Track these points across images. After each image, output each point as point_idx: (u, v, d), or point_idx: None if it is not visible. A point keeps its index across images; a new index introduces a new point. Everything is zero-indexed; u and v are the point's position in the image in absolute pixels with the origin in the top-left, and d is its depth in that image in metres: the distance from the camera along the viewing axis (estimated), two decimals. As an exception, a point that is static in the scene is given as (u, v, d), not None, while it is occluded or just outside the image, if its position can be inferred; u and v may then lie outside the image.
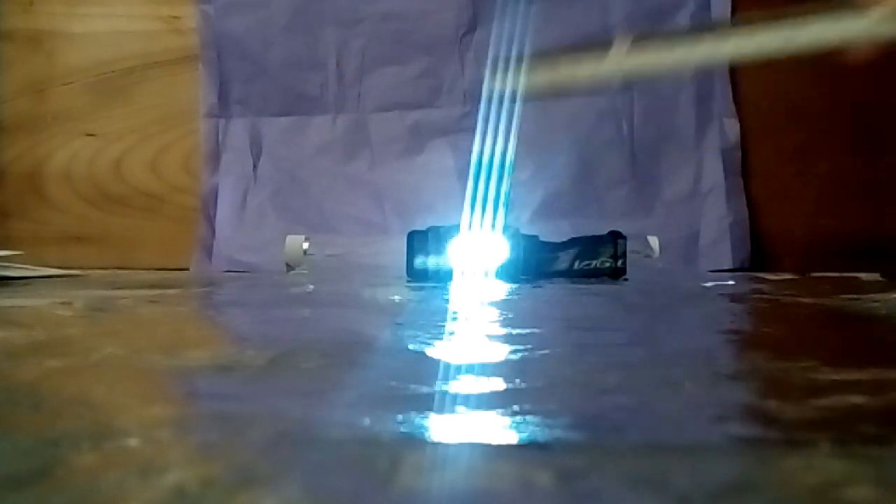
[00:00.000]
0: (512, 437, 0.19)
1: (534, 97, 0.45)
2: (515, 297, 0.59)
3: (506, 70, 0.45)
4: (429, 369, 0.28)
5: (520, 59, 0.44)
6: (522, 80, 0.44)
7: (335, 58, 1.00)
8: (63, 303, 0.52)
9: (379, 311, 0.52)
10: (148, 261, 1.00)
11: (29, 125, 1.03)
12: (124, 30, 1.03)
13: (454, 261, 0.70)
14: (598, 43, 0.40)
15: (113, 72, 1.03)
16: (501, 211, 0.71)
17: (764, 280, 0.76)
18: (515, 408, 0.21)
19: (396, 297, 0.58)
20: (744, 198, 0.96)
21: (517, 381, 0.26)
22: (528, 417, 0.20)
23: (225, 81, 1.01)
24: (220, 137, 1.01)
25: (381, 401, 0.23)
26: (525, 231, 0.74)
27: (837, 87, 0.95)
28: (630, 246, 0.76)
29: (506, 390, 0.24)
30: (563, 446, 0.18)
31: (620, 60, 0.38)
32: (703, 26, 0.36)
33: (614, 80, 0.39)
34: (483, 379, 0.26)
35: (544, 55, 0.42)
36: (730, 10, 0.96)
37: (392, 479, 0.16)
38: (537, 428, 0.20)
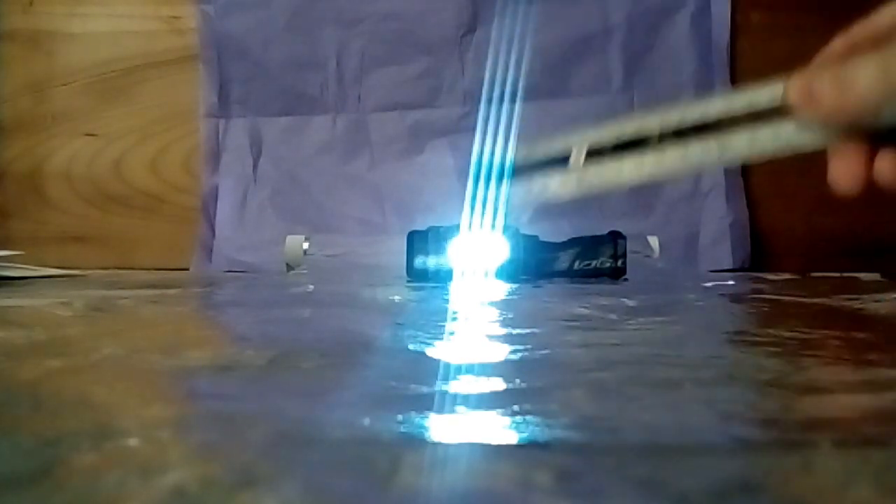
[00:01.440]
0: (512, 437, 0.19)
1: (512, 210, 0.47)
2: (515, 297, 0.59)
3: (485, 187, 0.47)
4: (429, 369, 0.28)
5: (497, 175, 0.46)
6: (500, 196, 0.47)
7: (335, 58, 1.00)
8: (63, 303, 0.52)
9: (379, 311, 0.52)
10: (148, 261, 1.00)
11: (29, 125, 1.03)
12: (124, 30, 1.03)
13: (454, 261, 0.70)
14: (557, 147, 0.42)
15: (113, 72, 1.03)
16: (501, 211, 0.71)
17: (764, 280, 0.76)
18: (515, 408, 0.21)
19: (396, 297, 0.58)
20: (744, 198, 0.96)
21: (517, 381, 0.26)
22: (528, 417, 0.20)
23: (225, 81, 1.01)
24: (220, 137, 1.01)
25: (381, 401, 0.23)
26: (525, 231, 0.74)
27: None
28: (630, 246, 0.76)
29: (506, 390, 0.24)
30: (563, 446, 0.18)
31: (581, 173, 0.41)
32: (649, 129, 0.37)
33: (580, 193, 0.41)
34: (483, 379, 0.26)
35: (517, 170, 0.44)
36: (729, 9, 0.96)
37: (392, 479, 0.16)
38: (537, 428, 0.20)
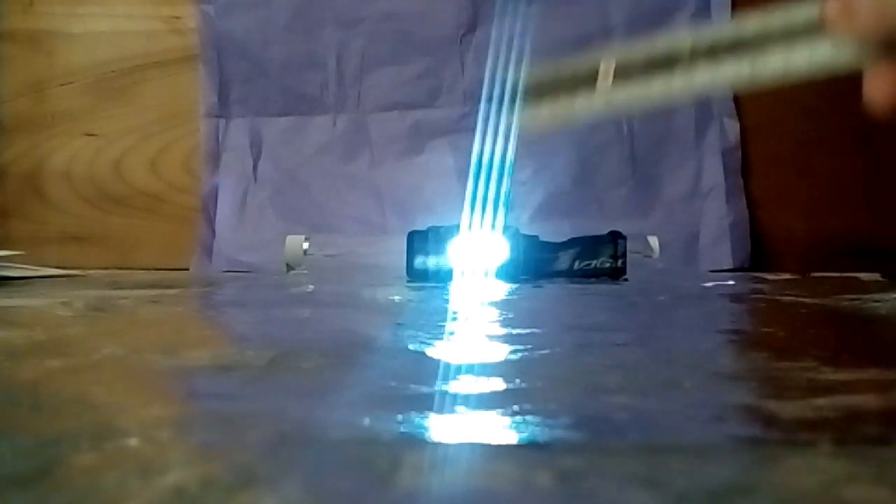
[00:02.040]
0: (512, 437, 0.19)
1: (528, 133, 0.45)
2: (515, 297, 0.59)
3: (500, 105, 0.46)
4: (429, 369, 0.28)
5: (512, 93, 0.45)
6: (515, 117, 0.45)
7: (335, 58, 1.00)
8: (63, 303, 0.52)
9: (379, 311, 0.52)
10: (148, 261, 1.00)
11: (29, 125, 1.03)
12: (124, 30, 1.03)
13: (454, 261, 0.70)
14: (583, 66, 0.41)
15: (113, 72, 1.03)
16: (501, 211, 0.71)
17: (764, 280, 0.76)
18: (515, 408, 0.21)
19: (396, 297, 0.58)
20: (744, 198, 0.96)
21: (517, 381, 0.26)
22: (528, 417, 0.20)
23: (225, 81, 1.01)
24: (220, 137, 1.01)
25: (381, 401, 0.23)
26: (525, 231, 0.74)
27: (837, 87, 0.95)
28: (630, 246, 0.76)
29: (506, 390, 0.24)
30: (563, 446, 0.18)
31: (608, 93, 0.39)
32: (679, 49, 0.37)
33: (606, 114, 0.41)
34: (483, 379, 0.26)
35: (533, 90, 0.43)
36: (729, 9, 0.96)
37: (392, 479, 0.16)
38: (537, 428, 0.20)
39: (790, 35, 0.35)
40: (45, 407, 0.22)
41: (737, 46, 0.36)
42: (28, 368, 0.29)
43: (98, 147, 1.03)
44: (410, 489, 0.15)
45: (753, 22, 0.35)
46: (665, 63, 0.37)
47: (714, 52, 0.36)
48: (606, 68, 0.39)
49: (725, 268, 0.93)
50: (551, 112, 0.42)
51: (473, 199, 0.72)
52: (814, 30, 0.34)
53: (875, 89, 0.32)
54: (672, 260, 0.90)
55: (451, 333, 0.38)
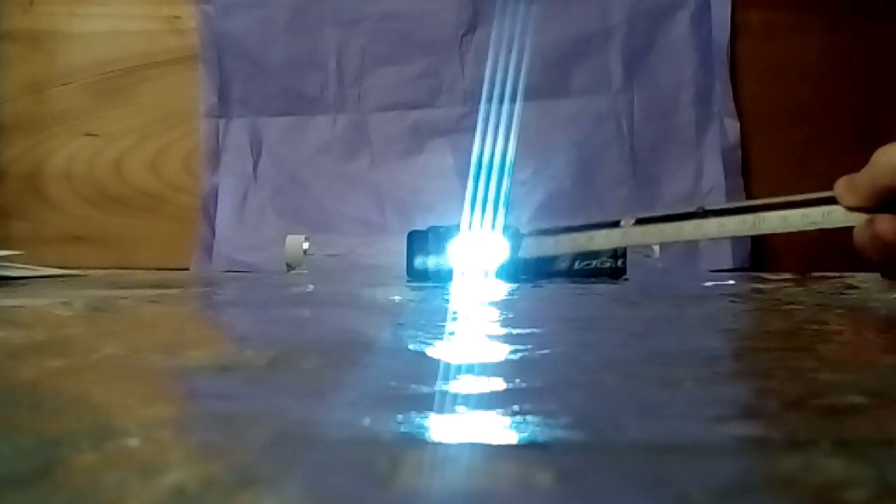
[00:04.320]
0: (512, 437, 0.19)
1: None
2: (515, 297, 0.59)
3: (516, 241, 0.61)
4: (429, 369, 0.28)
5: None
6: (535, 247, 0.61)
7: (335, 58, 1.00)
8: (63, 303, 0.52)
9: (379, 311, 0.52)
10: (148, 261, 1.00)
11: (29, 125, 1.03)
12: (124, 30, 1.03)
13: (454, 261, 0.70)
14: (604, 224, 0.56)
15: (113, 72, 1.03)
16: (501, 211, 0.71)
17: (764, 280, 0.76)
18: (515, 408, 0.21)
19: (396, 297, 0.58)
20: (744, 198, 0.96)
21: (517, 381, 0.26)
22: (528, 417, 0.20)
23: (225, 81, 1.01)
24: (220, 137, 1.01)
25: (381, 401, 0.23)
26: (525, 231, 0.74)
27: (837, 87, 0.95)
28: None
29: (506, 390, 0.24)
30: (563, 446, 0.18)
31: (627, 233, 0.54)
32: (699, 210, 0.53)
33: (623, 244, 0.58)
34: (483, 379, 0.26)
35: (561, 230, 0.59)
36: (729, 9, 0.96)
37: (392, 479, 0.16)
38: (537, 428, 0.19)
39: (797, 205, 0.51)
40: (45, 407, 0.22)
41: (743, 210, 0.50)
42: (28, 368, 0.29)
43: (98, 147, 1.03)
44: (410, 489, 0.15)
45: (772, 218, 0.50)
46: (679, 216, 0.53)
47: (722, 212, 0.51)
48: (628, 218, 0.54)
49: (725, 268, 0.93)
50: (573, 242, 0.60)
51: (473, 199, 0.72)
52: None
53: (881, 231, 0.43)
54: (672, 260, 0.90)
55: (451, 333, 0.38)
